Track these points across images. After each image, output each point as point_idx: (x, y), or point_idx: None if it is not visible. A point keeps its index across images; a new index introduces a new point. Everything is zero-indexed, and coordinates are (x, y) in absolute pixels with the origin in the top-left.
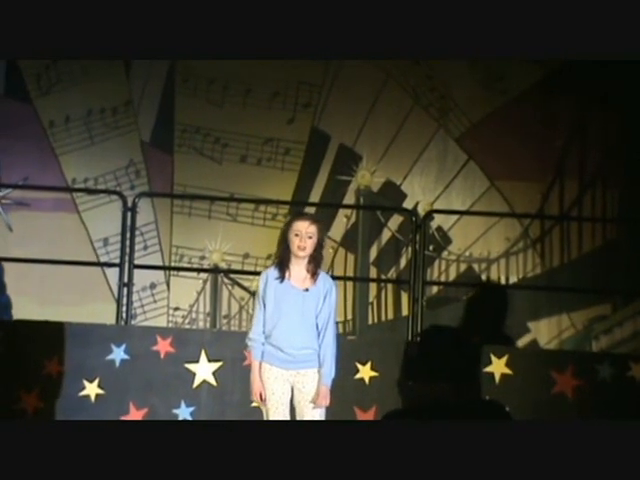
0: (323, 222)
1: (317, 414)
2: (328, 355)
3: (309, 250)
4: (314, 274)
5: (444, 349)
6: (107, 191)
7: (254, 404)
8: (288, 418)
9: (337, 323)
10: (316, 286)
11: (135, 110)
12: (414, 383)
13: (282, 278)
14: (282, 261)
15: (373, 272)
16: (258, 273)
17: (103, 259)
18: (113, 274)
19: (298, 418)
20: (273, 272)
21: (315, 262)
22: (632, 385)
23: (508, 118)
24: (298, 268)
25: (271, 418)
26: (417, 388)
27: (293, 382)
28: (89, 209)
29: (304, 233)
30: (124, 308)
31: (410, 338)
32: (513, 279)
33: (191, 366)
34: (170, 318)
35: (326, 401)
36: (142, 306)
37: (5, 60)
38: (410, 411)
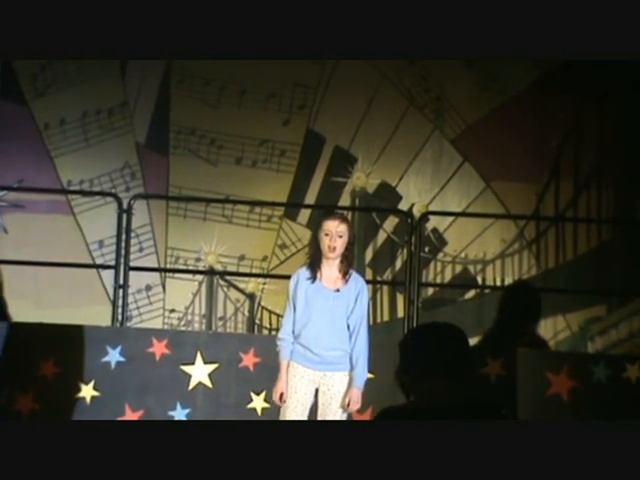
0: (351, 221)
1: (339, 417)
2: (361, 358)
3: (340, 250)
4: (346, 274)
5: (439, 347)
6: (102, 193)
7: (249, 406)
8: (305, 419)
9: (370, 325)
10: (347, 287)
11: (130, 112)
12: (405, 381)
13: (314, 279)
14: (313, 261)
15: (369, 273)
16: (254, 275)
17: (98, 261)
18: (108, 276)
19: (320, 419)
20: (305, 272)
21: (347, 262)
22: (627, 386)
23: (503, 119)
24: (329, 269)
25: (288, 417)
26: (408, 387)
27: (319, 384)
28: (84, 211)
29: (334, 232)
30: (119, 310)
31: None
32: (509, 280)
33: (187, 368)
34: (166, 320)
35: (358, 405)
36: (137, 308)
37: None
38: (404, 410)
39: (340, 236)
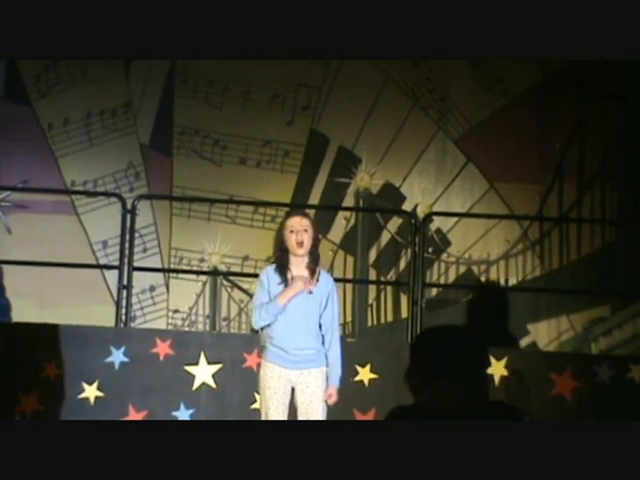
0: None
1: (320, 414)
2: (337, 357)
3: (307, 245)
4: (314, 272)
5: (446, 349)
6: (106, 193)
7: (253, 406)
8: (286, 418)
9: (341, 324)
10: (319, 287)
11: (134, 112)
12: (415, 383)
13: (285, 282)
14: (281, 264)
15: (372, 274)
16: (257, 275)
17: (102, 261)
18: (112, 276)
19: (301, 418)
20: (273, 276)
21: (313, 258)
22: (631, 387)
23: (507, 120)
24: (298, 268)
25: (270, 417)
26: (418, 389)
27: (295, 382)
28: (88, 211)
29: (299, 227)
30: (123, 310)
31: (410, 340)
32: (512, 281)
33: (190, 368)
34: (169, 320)
35: (336, 399)
36: (141, 308)
37: (4, 62)
38: (412, 411)
39: (305, 230)
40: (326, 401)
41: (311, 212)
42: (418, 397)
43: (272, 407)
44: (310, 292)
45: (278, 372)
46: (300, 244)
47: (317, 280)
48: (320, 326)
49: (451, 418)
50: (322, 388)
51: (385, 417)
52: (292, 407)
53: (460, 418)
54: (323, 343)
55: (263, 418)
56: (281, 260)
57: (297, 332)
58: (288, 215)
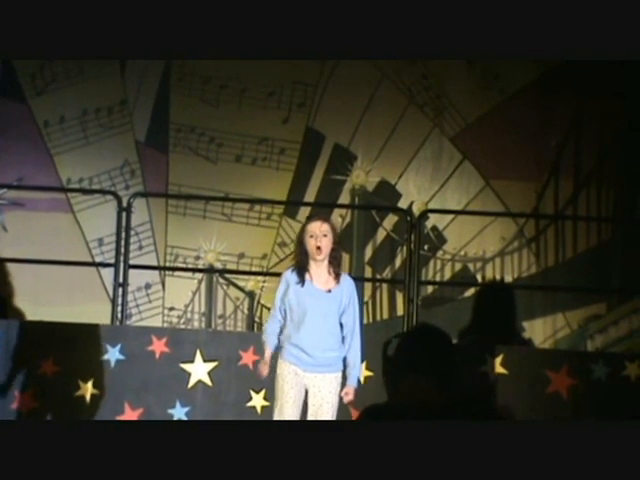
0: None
1: (329, 419)
2: (357, 360)
3: (326, 250)
4: (337, 275)
5: (433, 346)
6: (102, 191)
7: (249, 404)
8: (298, 417)
9: (363, 325)
10: (339, 287)
11: (130, 110)
12: (400, 377)
13: (303, 282)
14: (301, 266)
15: (368, 272)
16: (253, 273)
17: (98, 259)
18: (108, 274)
19: (311, 419)
20: (293, 277)
21: (336, 262)
22: (627, 384)
23: (503, 117)
24: (318, 270)
25: (285, 411)
26: (402, 385)
27: (308, 385)
28: (84, 209)
29: (318, 233)
30: (119, 308)
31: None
32: (508, 278)
33: (186, 366)
34: (165, 318)
35: (352, 398)
36: (137, 306)
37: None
38: (388, 408)
39: (325, 235)
40: (342, 398)
41: (306, 210)
42: (397, 392)
43: (290, 401)
44: (329, 291)
45: (294, 370)
46: (319, 249)
47: (338, 282)
48: (341, 326)
49: (427, 415)
50: (334, 393)
51: (361, 414)
52: (303, 408)
53: (437, 415)
54: (343, 343)
55: (277, 413)
56: (301, 263)
57: (317, 333)
58: (308, 220)
